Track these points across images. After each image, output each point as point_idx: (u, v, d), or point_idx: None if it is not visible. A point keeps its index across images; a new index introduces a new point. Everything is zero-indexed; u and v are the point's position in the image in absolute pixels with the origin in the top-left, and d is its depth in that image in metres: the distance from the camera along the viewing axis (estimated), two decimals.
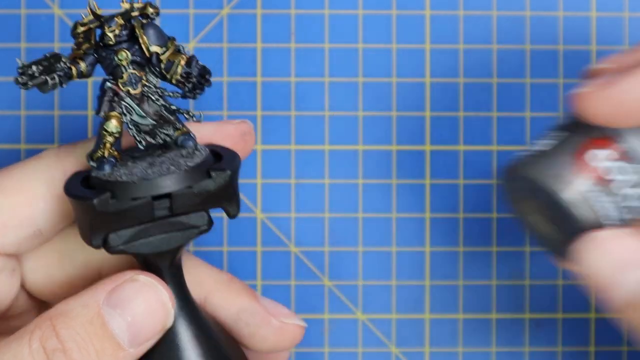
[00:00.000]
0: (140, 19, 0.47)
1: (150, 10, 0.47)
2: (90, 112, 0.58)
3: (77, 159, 0.49)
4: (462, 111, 0.59)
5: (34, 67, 0.45)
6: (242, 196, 0.48)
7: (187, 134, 0.48)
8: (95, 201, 0.44)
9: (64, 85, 0.46)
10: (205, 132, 0.49)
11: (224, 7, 0.59)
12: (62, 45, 0.58)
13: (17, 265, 0.49)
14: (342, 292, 0.59)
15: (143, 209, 0.45)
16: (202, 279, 0.51)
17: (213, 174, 0.46)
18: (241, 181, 0.48)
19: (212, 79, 0.48)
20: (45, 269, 0.50)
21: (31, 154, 0.58)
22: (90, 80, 0.58)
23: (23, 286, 0.50)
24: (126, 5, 0.47)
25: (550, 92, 0.59)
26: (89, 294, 0.45)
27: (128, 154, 0.48)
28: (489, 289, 0.59)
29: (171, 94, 0.47)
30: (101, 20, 0.46)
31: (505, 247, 0.59)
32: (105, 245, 0.46)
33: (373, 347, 0.59)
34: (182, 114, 0.48)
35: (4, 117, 0.58)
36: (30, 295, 0.51)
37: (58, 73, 0.46)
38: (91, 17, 0.47)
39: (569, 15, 0.59)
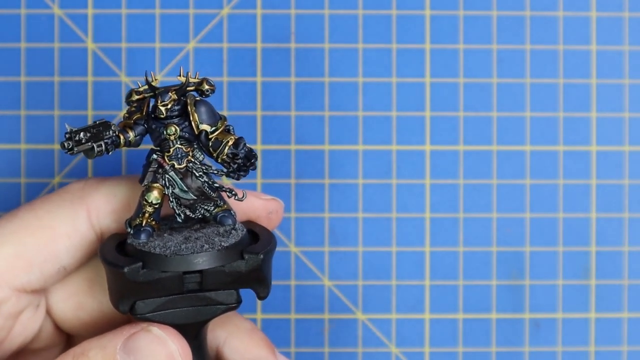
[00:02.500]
0: (195, 94, 0.48)
1: (206, 86, 0.47)
2: (90, 112, 0.58)
3: (102, 196, 0.49)
4: (462, 111, 0.59)
5: (82, 134, 0.45)
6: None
7: (228, 211, 0.48)
8: (126, 270, 0.45)
9: (110, 153, 0.46)
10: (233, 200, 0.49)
11: (224, 7, 0.59)
12: (62, 45, 0.58)
13: (41, 300, 0.50)
14: (342, 292, 0.59)
15: (173, 281, 0.46)
16: (225, 322, 0.51)
17: (246, 256, 0.46)
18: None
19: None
20: (75, 297, 0.50)
21: (31, 154, 0.58)
22: (90, 81, 0.58)
23: (51, 317, 0.51)
24: (182, 79, 0.47)
25: (551, 92, 0.59)
26: (108, 338, 0.46)
27: (167, 224, 0.48)
28: (489, 289, 0.59)
29: (215, 171, 0.47)
30: (156, 92, 0.47)
31: (506, 247, 0.59)
32: (132, 311, 0.46)
33: (373, 347, 0.59)
34: (225, 191, 0.48)
35: (4, 117, 0.58)
36: (57, 327, 0.51)
37: (105, 140, 0.46)
38: (147, 86, 0.47)
39: (569, 15, 0.59)
